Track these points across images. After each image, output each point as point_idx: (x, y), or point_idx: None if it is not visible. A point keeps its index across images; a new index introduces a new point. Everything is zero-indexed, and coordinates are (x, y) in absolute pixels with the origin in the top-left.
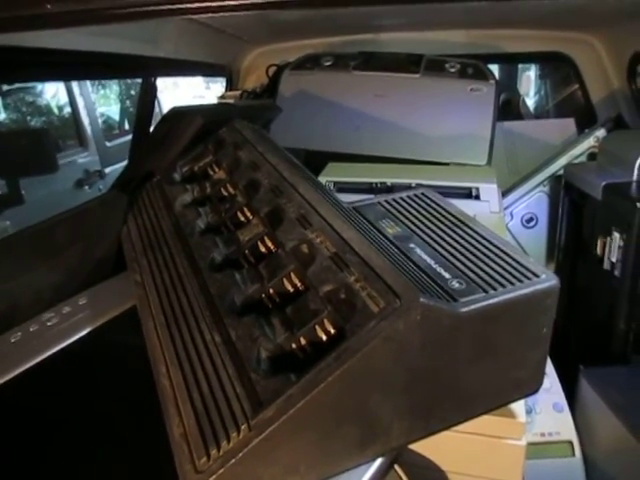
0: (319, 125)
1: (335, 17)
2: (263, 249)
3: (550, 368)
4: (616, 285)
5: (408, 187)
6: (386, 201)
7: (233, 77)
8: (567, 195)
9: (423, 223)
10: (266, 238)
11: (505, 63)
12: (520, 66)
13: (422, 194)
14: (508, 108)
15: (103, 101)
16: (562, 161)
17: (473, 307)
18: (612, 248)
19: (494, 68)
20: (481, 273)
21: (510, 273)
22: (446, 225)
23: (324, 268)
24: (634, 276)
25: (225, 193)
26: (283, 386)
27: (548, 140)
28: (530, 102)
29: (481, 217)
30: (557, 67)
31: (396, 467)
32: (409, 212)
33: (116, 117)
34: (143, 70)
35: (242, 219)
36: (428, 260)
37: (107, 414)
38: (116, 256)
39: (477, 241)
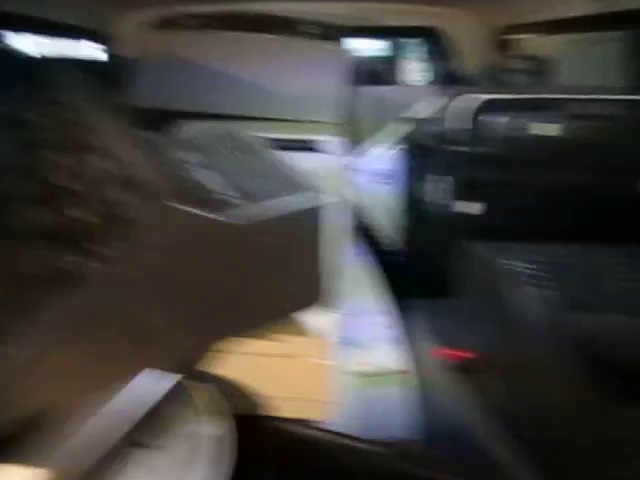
0: (177, 85)
1: None
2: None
3: (387, 305)
4: (446, 225)
5: None
6: (197, 133)
7: (107, 43)
8: (413, 149)
9: (220, 152)
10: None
11: (382, 37)
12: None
13: (228, 131)
14: (384, 76)
15: None
16: (414, 120)
17: (244, 218)
18: (444, 192)
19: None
20: (258, 191)
21: (285, 190)
22: (241, 152)
23: (101, 185)
24: (460, 216)
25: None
26: (50, 296)
27: (411, 103)
28: (413, 74)
29: (326, 169)
30: (435, 41)
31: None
32: (209, 143)
33: None
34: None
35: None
36: (214, 180)
37: None
38: None
39: (264, 164)
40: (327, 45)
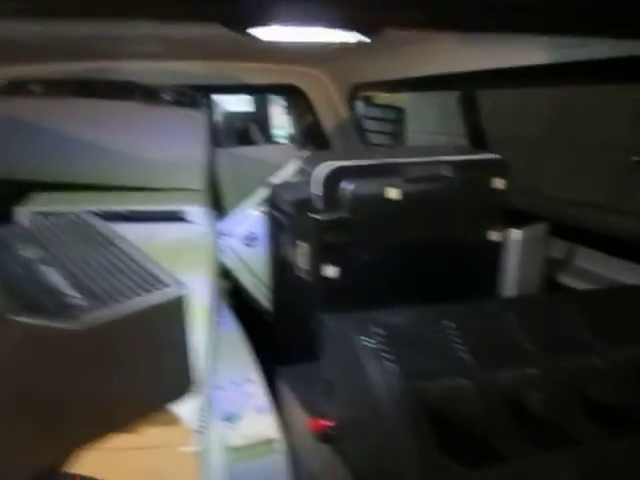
0: (29, 154)
1: (61, 38)
2: None
3: (255, 374)
4: (308, 289)
5: (118, 214)
6: (34, 224)
7: None
8: (273, 212)
9: (67, 245)
10: None
11: (242, 94)
12: (269, 96)
13: (76, 217)
14: (246, 135)
15: None
16: (274, 181)
17: (89, 323)
18: (302, 256)
19: (236, 98)
20: (110, 289)
21: (140, 286)
22: (92, 246)
23: None
24: (319, 279)
25: None
26: None
27: (272, 164)
28: (280, 130)
29: (190, 238)
30: (296, 98)
31: None
32: (54, 235)
33: None
34: None
35: None
36: (58, 281)
37: None
38: None
39: (118, 258)
40: (187, 111)
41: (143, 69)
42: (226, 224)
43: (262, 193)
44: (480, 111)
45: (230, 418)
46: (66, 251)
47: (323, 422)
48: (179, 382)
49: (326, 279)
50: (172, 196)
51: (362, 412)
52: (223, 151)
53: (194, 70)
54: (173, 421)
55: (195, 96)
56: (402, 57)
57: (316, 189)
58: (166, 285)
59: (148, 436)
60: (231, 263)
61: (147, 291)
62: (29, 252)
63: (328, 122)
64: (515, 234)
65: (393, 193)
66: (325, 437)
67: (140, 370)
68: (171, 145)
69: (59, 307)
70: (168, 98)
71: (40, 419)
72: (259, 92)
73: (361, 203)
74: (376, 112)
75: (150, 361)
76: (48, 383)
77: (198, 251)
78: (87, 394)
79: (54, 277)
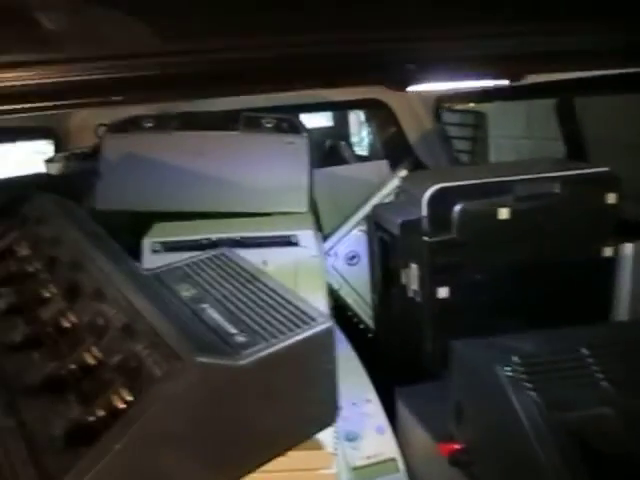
0: (144, 186)
1: None
2: (63, 325)
3: (372, 394)
4: (419, 310)
5: (232, 241)
6: (187, 265)
7: (61, 139)
8: (376, 233)
9: (218, 283)
10: (66, 314)
11: (327, 110)
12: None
13: (222, 254)
14: (334, 153)
15: None
16: (374, 201)
17: (253, 358)
18: (412, 278)
19: (328, 115)
20: (264, 324)
21: (290, 320)
22: (239, 282)
23: (115, 339)
24: (431, 301)
25: (28, 270)
26: (73, 460)
27: (366, 181)
28: (363, 146)
29: (303, 262)
30: (379, 112)
31: None
32: (207, 273)
33: None
34: None
35: (43, 297)
36: (218, 318)
37: None
38: None
39: (265, 294)
40: (289, 137)
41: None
42: (327, 244)
43: (361, 213)
44: (579, 118)
45: (351, 438)
46: (219, 289)
47: (453, 445)
48: (328, 411)
49: (437, 300)
50: (282, 220)
51: (500, 440)
52: (317, 171)
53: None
54: (314, 445)
55: (295, 121)
56: None
57: (422, 210)
58: (313, 318)
59: (292, 459)
60: (334, 282)
61: (297, 325)
62: (188, 292)
63: (413, 134)
64: (627, 248)
65: (503, 213)
66: (455, 460)
67: (295, 400)
68: (276, 170)
69: (224, 344)
70: (269, 125)
71: (213, 451)
72: (343, 108)
73: (470, 224)
74: (454, 118)
75: (304, 391)
76: (219, 417)
77: (312, 275)
78: (250, 426)
79: (214, 315)
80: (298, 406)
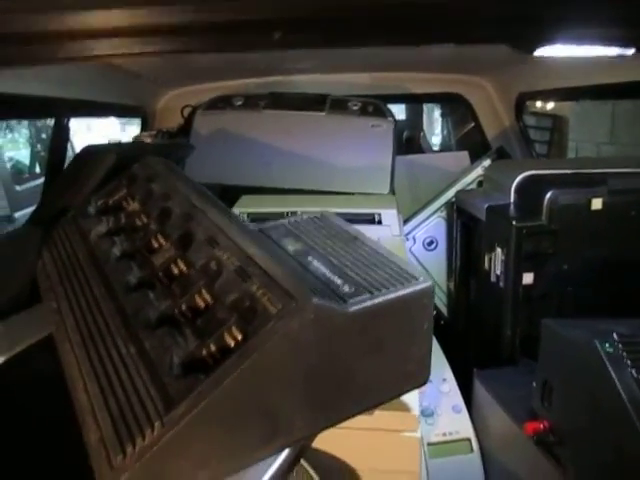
0: (232, 161)
1: (246, 61)
2: (175, 270)
3: (449, 373)
4: (501, 295)
5: None
6: (289, 223)
7: (148, 118)
8: (459, 218)
9: (321, 240)
10: (178, 260)
11: (407, 103)
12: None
13: (321, 216)
14: (411, 143)
15: (11, 145)
16: (455, 189)
17: (360, 306)
18: (496, 263)
19: (399, 107)
20: (368, 278)
21: (393, 277)
22: (341, 240)
23: (229, 281)
24: (515, 286)
25: (139, 223)
26: (192, 385)
27: (445, 171)
28: (436, 138)
29: (383, 240)
30: (456, 106)
31: (302, 462)
32: (309, 231)
33: (26, 161)
34: (55, 111)
35: (155, 245)
36: (323, 270)
37: (25, 439)
38: (30, 291)
39: (366, 252)
40: (375, 120)
41: (314, 81)
42: (405, 228)
43: (443, 199)
44: None
45: (427, 414)
46: (322, 246)
47: (539, 425)
48: (422, 370)
49: (521, 286)
50: (364, 200)
51: (595, 418)
52: (397, 158)
53: (361, 81)
54: (400, 406)
55: (381, 105)
56: (577, 64)
57: (510, 196)
58: (415, 277)
59: (377, 418)
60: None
61: (400, 282)
62: (293, 246)
63: (491, 131)
64: None
65: (596, 204)
66: (540, 440)
67: (394, 354)
68: (361, 152)
69: (332, 292)
70: (355, 108)
71: (316, 392)
72: (420, 101)
73: (561, 212)
74: (532, 120)
75: (403, 347)
76: (325, 360)
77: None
78: (351, 373)
79: (320, 267)
80: (396, 360)
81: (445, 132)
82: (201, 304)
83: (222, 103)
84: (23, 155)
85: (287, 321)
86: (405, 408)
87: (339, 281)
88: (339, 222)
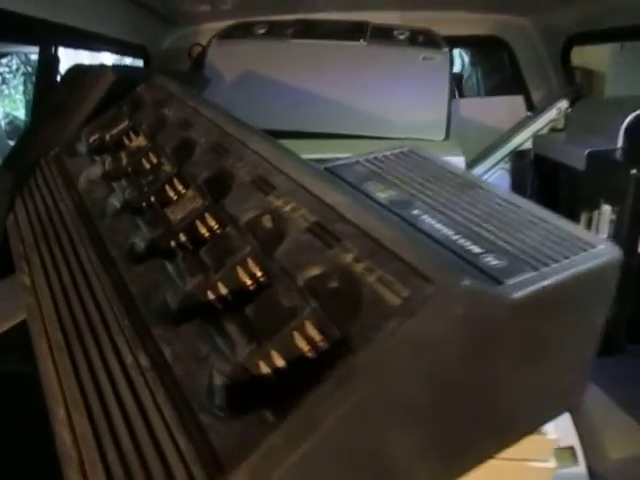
0: (253, 101)
1: None
2: (204, 229)
3: None
4: None
5: None
6: (367, 160)
7: (152, 60)
8: (538, 169)
9: (422, 185)
10: (207, 214)
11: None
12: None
13: (410, 152)
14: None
15: (8, 102)
16: (524, 135)
17: (527, 291)
18: (600, 223)
19: None
20: (520, 245)
21: (556, 243)
22: (454, 187)
23: (302, 245)
24: (629, 253)
25: (147, 163)
26: (256, 434)
27: (497, 117)
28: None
29: None
30: (490, 53)
31: None
32: (400, 172)
33: (22, 117)
34: (40, 36)
35: (172, 193)
36: (444, 230)
37: None
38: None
39: (500, 205)
40: (426, 52)
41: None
42: None
43: (508, 147)
44: None
45: None
46: (429, 194)
47: None
48: (580, 383)
49: (637, 254)
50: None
51: None
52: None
53: (392, 21)
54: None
55: (434, 34)
56: None
57: (619, 140)
58: (592, 244)
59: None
60: None
61: (571, 251)
62: (384, 193)
63: (532, 77)
64: None
65: None
66: None
67: (556, 363)
68: (410, 90)
69: (474, 269)
70: (402, 37)
71: (451, 428)
72: (460, 45)
73: None
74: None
75: (569, 350)
76: (469, 378)
77: None
78: (499, 396)
79: (438, 227)
80: (557, 371)
81: (471, 82)
82: (251, 283)
83: (242, 31)
84: (21, 113)
85: (424, 319)
86: (540, 433)
87: (477, 249)
88: (436, 159)
